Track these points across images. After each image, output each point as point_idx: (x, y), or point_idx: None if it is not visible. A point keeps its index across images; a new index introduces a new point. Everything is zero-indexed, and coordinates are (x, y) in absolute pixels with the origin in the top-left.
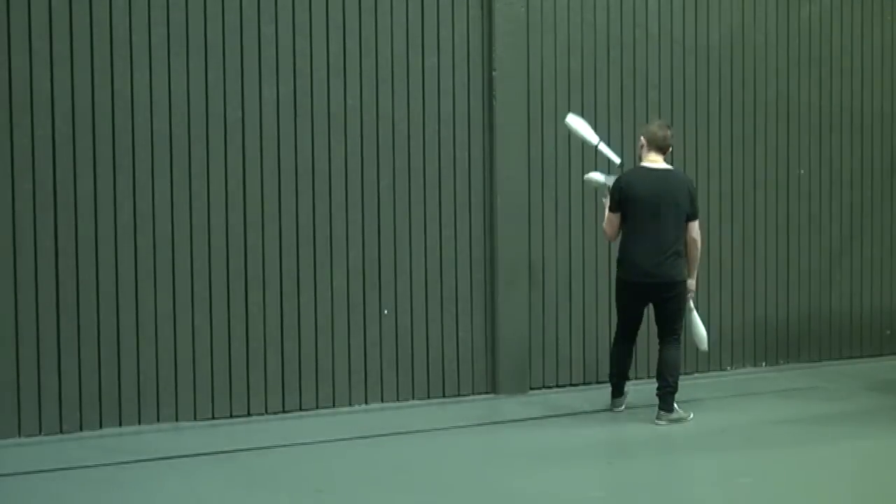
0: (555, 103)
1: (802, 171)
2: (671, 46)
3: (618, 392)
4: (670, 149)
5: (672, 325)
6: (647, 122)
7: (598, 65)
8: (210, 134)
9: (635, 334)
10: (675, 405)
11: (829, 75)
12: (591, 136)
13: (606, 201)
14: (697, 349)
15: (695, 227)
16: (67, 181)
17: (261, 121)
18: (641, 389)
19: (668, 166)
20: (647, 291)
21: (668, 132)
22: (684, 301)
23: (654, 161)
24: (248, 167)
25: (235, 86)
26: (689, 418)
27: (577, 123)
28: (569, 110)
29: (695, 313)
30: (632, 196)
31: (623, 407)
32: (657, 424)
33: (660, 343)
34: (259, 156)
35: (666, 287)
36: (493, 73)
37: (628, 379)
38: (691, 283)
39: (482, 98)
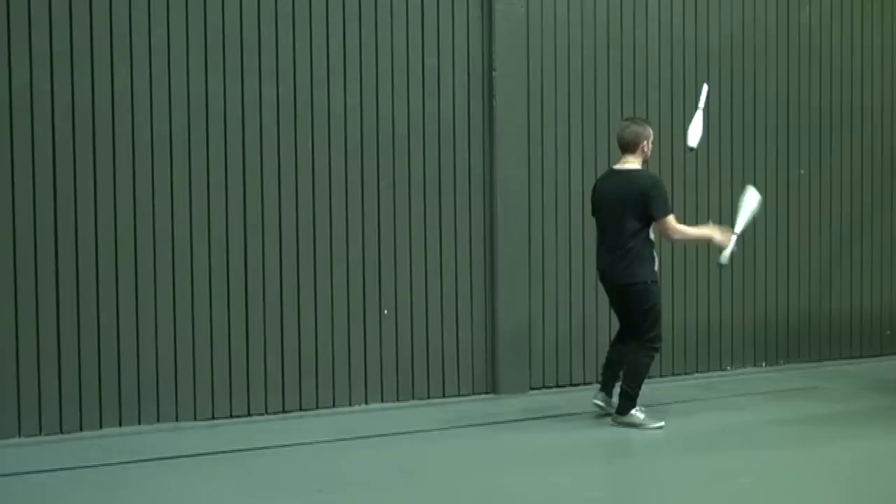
0: (555, 103)
1: (802, 171)
2: (671, 46)
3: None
4: (642, 146)
5: (631, 327)
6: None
7: (598, 65)
8: (210, 134)
9: (621, 336)
10: (634, 411)
11: (829, 75)
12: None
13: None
14: None
15: (662, 224)
16: (67, 181)
17: (261, 120)
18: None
19: (634, 167)
20: (608, 290)
21: (623, 130)
22: (645, 303)
23: (624, 162)
24: (248, 167)
25: (235, 86)
26: (649, 425)
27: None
28: (569, 110)
29: None
30: (595, 198)
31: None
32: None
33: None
34: (259, 156)
35: (616, 287)
36: (493, 73)
37: (617, 378)
38: (723, 240)
39: (482, 98)
